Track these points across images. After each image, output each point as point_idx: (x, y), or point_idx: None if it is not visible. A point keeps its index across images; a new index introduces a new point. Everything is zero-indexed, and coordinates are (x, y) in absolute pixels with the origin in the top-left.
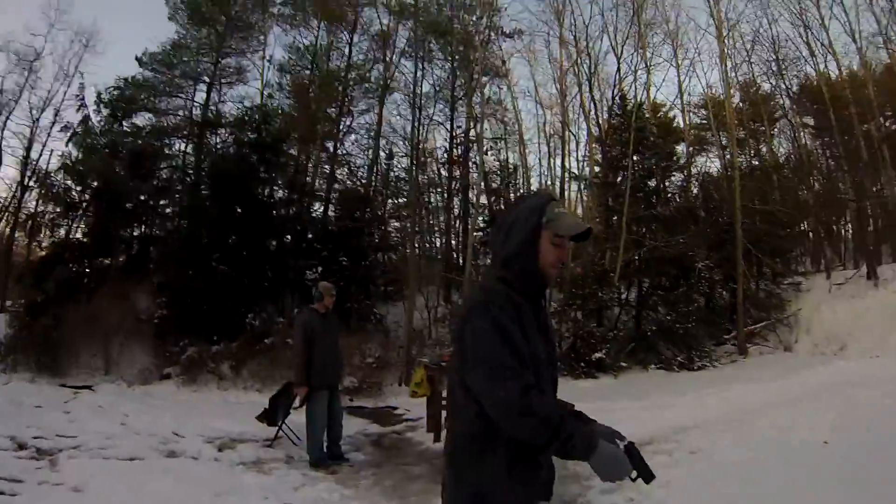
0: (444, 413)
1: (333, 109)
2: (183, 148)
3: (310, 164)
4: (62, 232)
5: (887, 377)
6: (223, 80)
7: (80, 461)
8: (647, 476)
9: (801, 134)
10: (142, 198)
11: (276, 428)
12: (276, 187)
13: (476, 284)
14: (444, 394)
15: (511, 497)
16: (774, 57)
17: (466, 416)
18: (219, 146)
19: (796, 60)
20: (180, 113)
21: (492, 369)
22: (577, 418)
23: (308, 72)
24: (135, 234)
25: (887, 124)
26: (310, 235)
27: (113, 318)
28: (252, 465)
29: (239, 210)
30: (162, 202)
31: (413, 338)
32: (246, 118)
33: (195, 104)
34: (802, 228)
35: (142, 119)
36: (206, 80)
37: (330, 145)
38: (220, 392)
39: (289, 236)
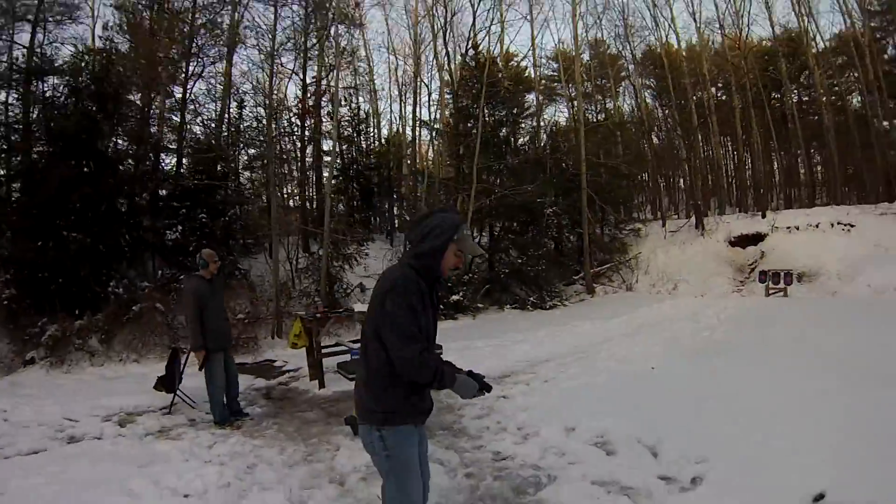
0: (322, 361)
1: (177, 52)
2: (5, 99)
3: (155, 113)
4: None
5: (708, 313)
6: (49, 18)
7: None
8: (487, 388)
9: (643, 94)
10: None
11: (172, 395)
12: (120, 140)
13: (395, 266)
14: (322, 343)
15: (409, 416)
16: (623, 23)
17: (379, 357)
18: (49, 96)
19: (642, 29)
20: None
21: (402, 335)
22: (447, 365)
23: (149, 12)
24: None
25: (719, 95)
26: (163, 192)
27: None
28: (159, 433)
29: (83, 169)
30: None
31: (280, 290)
32: (82, 64)
33: (18, 46)
34: (643, 179)
35: None
36: (30, 17)
37: (178, 91)
38: (95, 369)
39: (144, 195)
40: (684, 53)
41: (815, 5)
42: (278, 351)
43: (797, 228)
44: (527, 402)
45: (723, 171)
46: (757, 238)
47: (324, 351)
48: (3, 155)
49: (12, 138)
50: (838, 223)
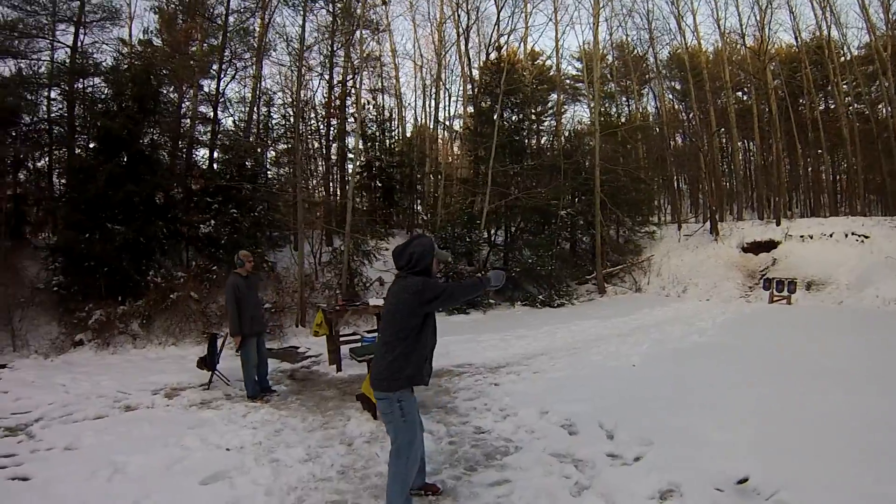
0: (341, 348)
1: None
2: (48, 95)
3: (188, 109)
4: None
5: (704, 317)
6: (92, 21)
7: (55, 428)
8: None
9: (666, 97)
10: (11, 154)
11: (211, 373)
12: (157, 137)
13: (407, 277)
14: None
15: (420, 375)
16: (647, 27)
17: (407, 326)
18: (91, 94)
19: (666, 33)
20: (45, 56)
21: (450, 293)
22: (473, 277)
23: (183, 16)
24: (7, 193)
25: (745, 99)
26: (196, 187)
27: (8, 291)
28: (202, 405)
29: (125, 165)
30: (29, 158)
31: (304, 282)
32: (124, 66)
33: (62, 46)
34: (662, 181)
35: (2, 66)
36: (73, 19)
37: (210, 87)
38: (138, 351)
39: (179, 189)
40: (710, 57)
41: (842, 15)
42: (302, 338)
43: (810, 237)
44: (513, 389)
45: (743, 178)
46: (769, 245)
47: (341, 339)
48: (46, 148)
49: (54, 133)
50: (852, 233)
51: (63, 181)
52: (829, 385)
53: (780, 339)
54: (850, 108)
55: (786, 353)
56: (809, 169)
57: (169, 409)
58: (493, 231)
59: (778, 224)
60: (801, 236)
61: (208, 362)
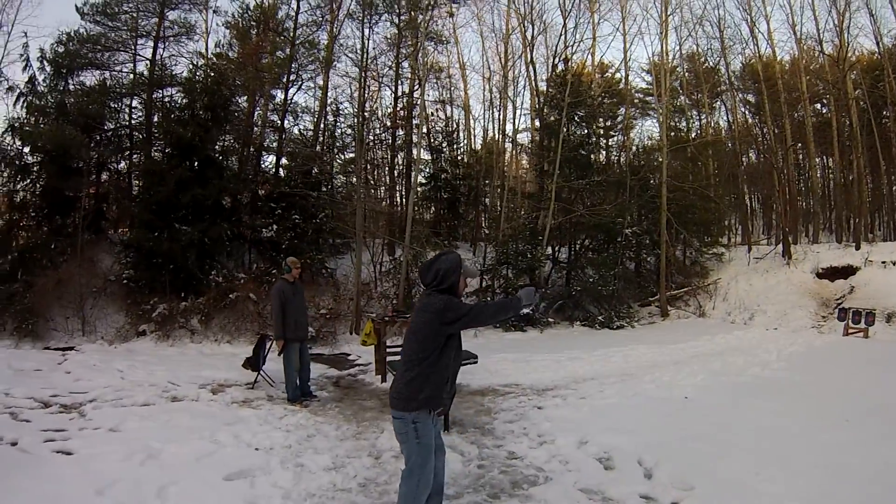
0: (387, 358)
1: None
2: (129, 103)
3: (258, 118)
4: (17, 197)
5: (770, 348)
6: (170, 36)
7: (105, 410)
8: (539, 287)
9: (740, 109)
10: (94, 156)
11: (256, 373)
12: (227, 144)
13: (431, 295)
14: (388, 343)
15: (438, 398)
16: (719, 35)
17: (428, 346)
18: (168, 103)
19: (739, 41)
20: (126, 68)
21: (476, 315)
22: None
23: (255, 30)
24: (90, 192)
25: (823, 111)
26: (261, 192)
27: (83, 280)
28: (243, 403)
29: (195, 169)
30: (111, 160)
31: (361, 290)
32: (197, 79)
33: (142, 59)
34: (733, 200)
35: (88, 76)
36: (152, 34)
37: (279, 95)
38: (194, 345)
39: (246, 193)
40: (786, 67)
41: None
42: (353, 346)
43: (893, 264)
44: (555, 414)
45: (820, 197)
46: (847, 271)
47: (388, 349)
48: (127, 153)
49: (134, 139)
50: None
51: (140, 183)
52: None
53: (854, 379)
54: None
55: (860, 396)
56: (894, 188)
57: (212, 403)
58: (556, 248)
59: (857, 248)
60: (884, 262)
61: (253, 363)
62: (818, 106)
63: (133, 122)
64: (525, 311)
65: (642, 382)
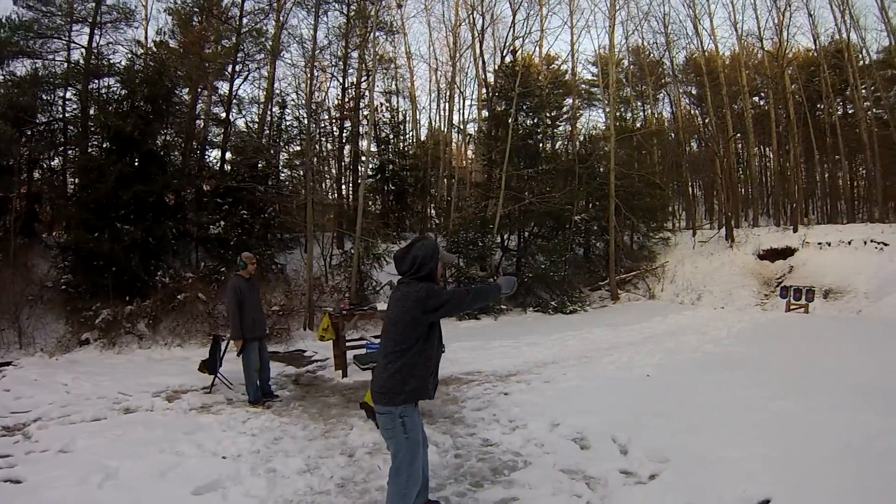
0: (347, 353)
1: (224, 58)
2: (63, 95)
3: (201, 110)
4: None
5: (719, 325)
6: (107, 22)
7: (52, 429)
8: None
9: (684, 101)
10: (25, 152)
11: (213, 376)
12: (170, 138)
13: (411, 283)
14: (347, 337)
15: (424, 389)
16: (664, 30)
17: (411, 336)
18: (105, 93)
19: (683, 36)
20: (60, 56)
21: (457, 301)
22: (485, 284)
23: (198, 17)
24: (21, 192)
25: (762, 104)
26: (207, 188)
27: (16, 289)
28: (201, 409)
29: (135, 165)
30: (44, 157)
31: (313, 285)
32: (137, 68)
33: (77, 46)
34: (676, 187)
35: (18, 66)
36: (88, 20)
37: (224, 88)
38: (143, 351)
39: (190, 190)
40: (728, 62)
41: (861, 18)
42: (308, 342)
43: (828, 244)
44: (523, 399)
45: (759, 183)
46: (786, 252)
47: (348, 344)
48: (60, 148)
49: (69, 133)
50: (871, 241)
51: (76, 180)
52: (854, 402)
53: (798, 351)
54: (869, 113)
55: (805, 366)
56: (827, 175)
57: (168, 412)
58: (506, 236)
59: (795, 231)
60: (819, 243)
61: (210, 365)
62: (757, 99)
63: (67, 114)
64: (503, 296)
65: (602, 364)
